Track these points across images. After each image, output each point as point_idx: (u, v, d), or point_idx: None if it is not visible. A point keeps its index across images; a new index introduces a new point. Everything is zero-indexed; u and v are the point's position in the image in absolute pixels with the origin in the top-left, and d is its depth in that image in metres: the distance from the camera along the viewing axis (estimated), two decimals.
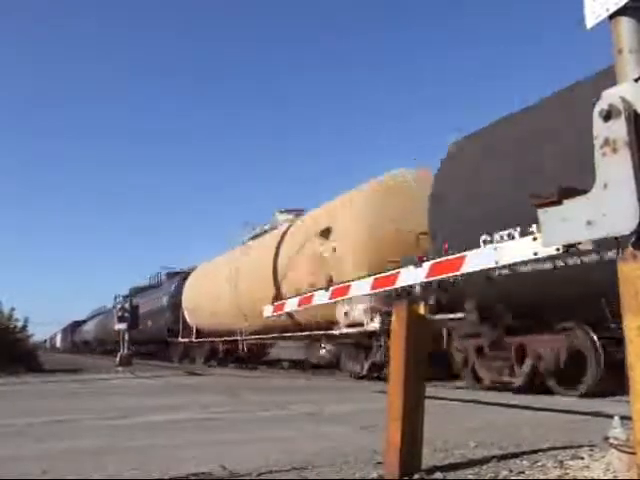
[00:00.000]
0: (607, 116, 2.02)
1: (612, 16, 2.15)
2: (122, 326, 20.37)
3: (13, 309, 17.18)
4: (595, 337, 6.62)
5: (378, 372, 10.39)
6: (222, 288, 17.21)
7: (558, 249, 2.41)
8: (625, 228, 1.97)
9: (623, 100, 2.00)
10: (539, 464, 2.89)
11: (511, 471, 2.79)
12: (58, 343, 76.16)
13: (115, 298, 31.28)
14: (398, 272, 4.73)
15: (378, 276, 5.10)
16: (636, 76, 2.03)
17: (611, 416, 2.47)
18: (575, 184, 2.19)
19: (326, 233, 11.81)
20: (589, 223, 2.09)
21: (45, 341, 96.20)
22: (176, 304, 21.68)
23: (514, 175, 7.09)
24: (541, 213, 2.32)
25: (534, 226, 3.00)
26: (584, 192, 2.14)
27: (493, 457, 3.06)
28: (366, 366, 10.81)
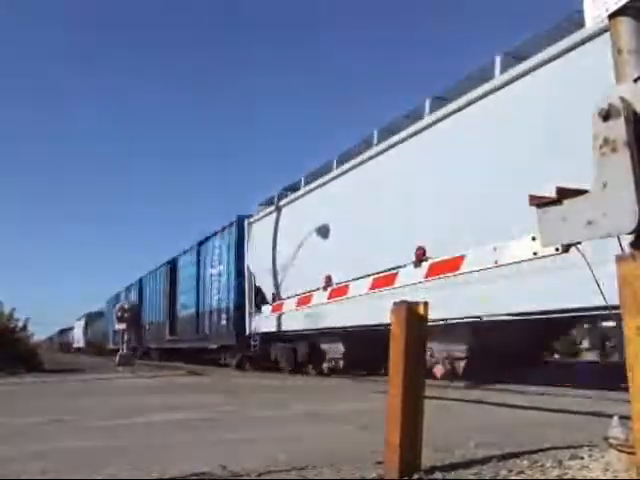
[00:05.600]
0: (606, 116, 2.02)
1: (612, 16, 2.15)
2: (122, 326, 20.36)
3: (14, 309, 17.22)
4: None
5: None
6: None
7: (557, 249, 2.41)
8: (625, 228, 1.97)
9: (622, 100, 2.00)
10: (539, 464, 2.88)
11: (511, 471, 2.79)
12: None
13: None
14: (397, 272, 4.70)
15: (377, 276, 5.06)
16: (636, 76, 2.04)
17: (610, 416, 2.47)
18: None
19: None
20: (589, 223, 2.09)
21: (63, 331, 71.35)
22: None
23: None
24: (541, 213, 2.32)
25: None
26: (584, 192, 2.14)
27: (493, 457, 3.06)
28: None
